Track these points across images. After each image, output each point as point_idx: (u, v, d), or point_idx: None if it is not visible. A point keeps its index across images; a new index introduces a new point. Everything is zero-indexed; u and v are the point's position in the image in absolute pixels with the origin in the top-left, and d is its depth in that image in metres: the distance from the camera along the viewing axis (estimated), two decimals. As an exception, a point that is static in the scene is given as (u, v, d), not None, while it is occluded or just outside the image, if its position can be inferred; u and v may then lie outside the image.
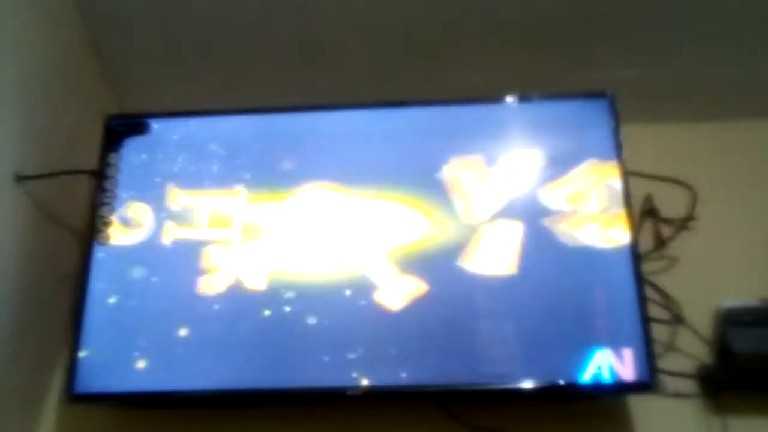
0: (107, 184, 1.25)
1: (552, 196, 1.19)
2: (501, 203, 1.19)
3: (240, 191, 1.24)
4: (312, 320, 1.14)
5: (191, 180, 1.25)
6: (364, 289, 1.15)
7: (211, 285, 1.18)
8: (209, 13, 1.33)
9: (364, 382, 1.09)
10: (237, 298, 1.17)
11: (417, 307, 1.14)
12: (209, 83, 1.44)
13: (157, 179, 1.26)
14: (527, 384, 1.08)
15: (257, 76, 1.43)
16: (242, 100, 1.35)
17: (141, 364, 1.13)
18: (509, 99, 1.26)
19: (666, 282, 1.22)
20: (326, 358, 1.11)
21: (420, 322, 1.13)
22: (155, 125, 1.29)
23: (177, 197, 1.24)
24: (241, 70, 1.42)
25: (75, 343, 1.14)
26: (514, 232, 1.17)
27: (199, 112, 1.31)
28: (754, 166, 1.35)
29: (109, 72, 1.42)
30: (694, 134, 1.38)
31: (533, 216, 1.17)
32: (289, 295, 1.16)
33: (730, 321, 1.12)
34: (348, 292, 1.15)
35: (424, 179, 1.22)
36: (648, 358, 1.08)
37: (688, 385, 1.16)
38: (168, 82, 1.44)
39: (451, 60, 1.37)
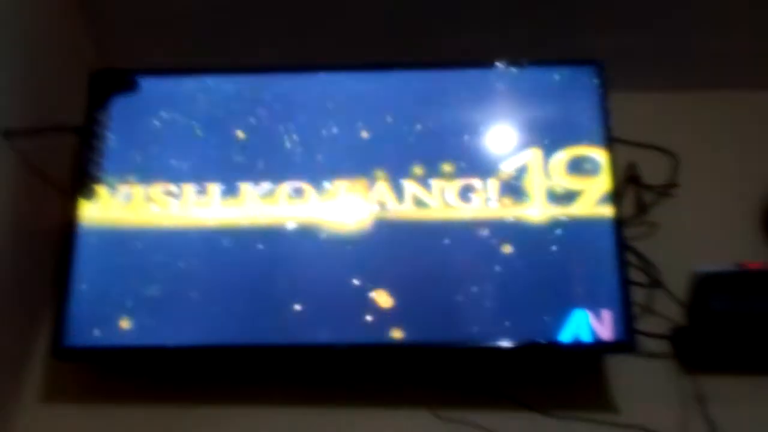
0: (93, 141, 1.24)
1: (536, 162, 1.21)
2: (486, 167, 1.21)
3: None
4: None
5: (177, 140, 1.25)
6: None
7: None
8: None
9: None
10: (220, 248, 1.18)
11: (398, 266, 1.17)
12: (196, 41, 1.42)
13: (143, 137, 1.25)
14: (507, 343, 1.11)
15: (245, 36, 1.41)
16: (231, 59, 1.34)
17: (128, 321, 1.14)
18: (499, 64, 1.27)
19: (646, 247, 1.24)
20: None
21: (402, 282, 1.16)
22: (142, 81, 1.28)
23: (162, 159, 1.24)
24: (229, 28, 1.41)
25: (63, 299, 1.14)
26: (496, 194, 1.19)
27: (187, 69, 1.30)
28: (734, 134, 1.37)
29: (94, 28, 1.40)
30: (677, 103, 1.39)
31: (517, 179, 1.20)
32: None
33: (706, 284, 1.15)
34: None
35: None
36: (626, 319, 1.11)
37: (664, 346, 1.20)
38: (154, 40, 1.42)
39: (439, 25, 1.37)
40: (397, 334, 1.12)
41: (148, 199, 1.21)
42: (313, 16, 1.38)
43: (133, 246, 1.19)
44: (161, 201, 1.21)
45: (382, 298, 1.14)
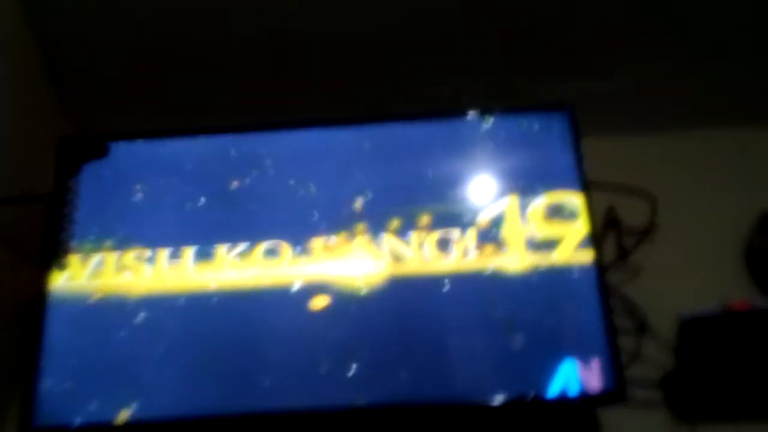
0: (64, 210, 1.22)
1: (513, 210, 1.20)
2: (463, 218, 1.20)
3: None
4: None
5: (149, 204, 1.23)
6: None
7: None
8: (168, 32, 1.31)
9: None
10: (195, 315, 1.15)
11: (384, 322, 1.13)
12: (169, 106, 1.42)
13: (115, 203, 1.23)
14: (495, 401, 1.07)
15: (221, 97, 1.41)
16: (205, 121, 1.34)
17: (99, 398, 1.10)
18: (471, 114, 1.27)
19: (630, 291, 1.23)
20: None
21: (385, 338, 1.12)
22: (112, 146, 1.26)
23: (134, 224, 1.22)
24: (204, 91, 1.41)
25: (31, 376, 1.10)
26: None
27: (159, 133, 1.28)
28: (711, 173, 1.37)
29: (64, 95, 1.40)
30: (652, 145, 1.39)
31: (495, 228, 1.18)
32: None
33: (692, 327, 1.13)
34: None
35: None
36: (615, 368, 1.08)
37: (656, 394, 1.17)
38: (126, 105, 1.42)
39: (411, 76, 1.37)
40: (375, 395, 1.08)
41: (121, 266, 1.18)
42: (285, 73, 1.38)
43: (104, 316, 1.15)
44: (134, 267, 1.18)
45: (359, 359, 1.10)
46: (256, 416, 1.11)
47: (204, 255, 1.18)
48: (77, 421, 1.09)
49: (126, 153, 1.27)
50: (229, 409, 1.10)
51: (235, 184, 1.23)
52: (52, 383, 1.10)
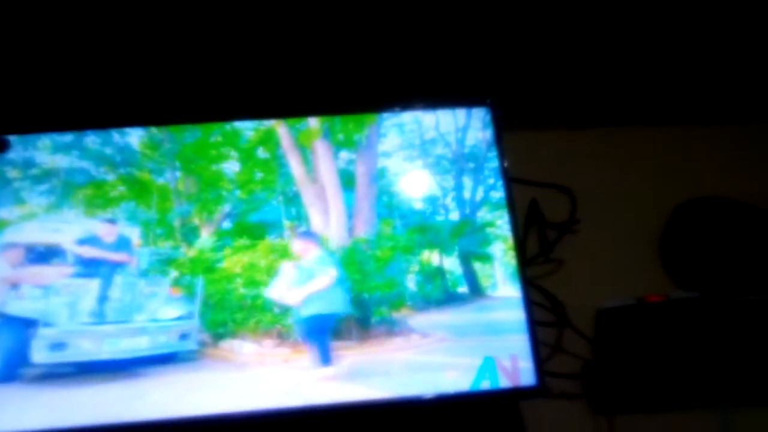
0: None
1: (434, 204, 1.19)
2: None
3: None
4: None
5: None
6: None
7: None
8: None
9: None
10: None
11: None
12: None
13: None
14: (422, 396, 1.06)
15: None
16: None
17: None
18: (394, 108, 1.25)
19: (551, 285, 1.24)
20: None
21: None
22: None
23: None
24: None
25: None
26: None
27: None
28: (626, 169, 1.40)
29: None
30: (572, 140, 1.41)
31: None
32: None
33: (609, 319, 1.15)
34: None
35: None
36: (535, 361, 1.09)
37: (575, 386, 1.18)
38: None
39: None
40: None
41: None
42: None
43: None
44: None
45: None
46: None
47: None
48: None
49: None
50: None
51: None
52: None
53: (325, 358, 1.09)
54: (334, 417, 1.07)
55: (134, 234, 1.17)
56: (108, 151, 1.21)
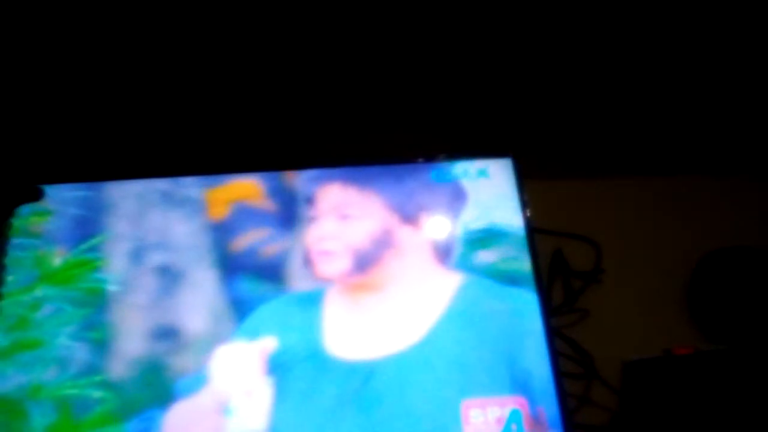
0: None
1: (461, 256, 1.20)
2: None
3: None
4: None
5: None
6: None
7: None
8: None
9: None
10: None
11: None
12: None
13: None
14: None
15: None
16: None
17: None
18: (418, 159, 1.28)
19: (576, 335, 1.24)
20: None
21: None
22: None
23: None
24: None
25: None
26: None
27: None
28: (652, 219, 1.40)
29: None
30: (595, 190, 1.42)
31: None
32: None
33: (635, 372, 1.14)
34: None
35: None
36: (563, 413, 1.08)
37: (604, 439, 1.17)
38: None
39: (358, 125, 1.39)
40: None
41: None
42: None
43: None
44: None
45: None
46: None
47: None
48: None
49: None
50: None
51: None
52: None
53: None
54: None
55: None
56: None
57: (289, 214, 1.23)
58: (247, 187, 1.26)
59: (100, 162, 1.35)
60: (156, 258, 1.21)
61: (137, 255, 1.21)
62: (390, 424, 1.08)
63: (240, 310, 1.17)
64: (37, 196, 1.22)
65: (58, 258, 1.21)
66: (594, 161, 1.43)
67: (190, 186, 1.25)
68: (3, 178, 1.24)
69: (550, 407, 1.08)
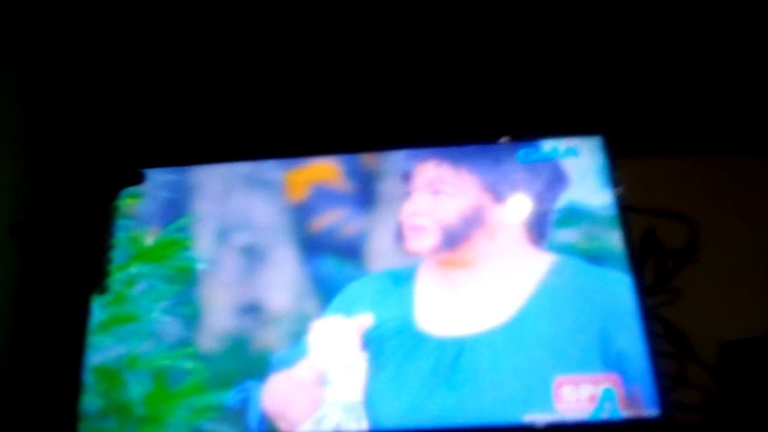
0: (104, 234, 1.24)
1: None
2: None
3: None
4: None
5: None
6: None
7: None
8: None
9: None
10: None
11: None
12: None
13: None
14: (539, 423, 1.05)
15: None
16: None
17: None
18: (503, 139, 1.28)
19: (671, 315, 1.21)
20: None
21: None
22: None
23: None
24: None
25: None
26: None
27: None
28: (749, 197, 1.36)
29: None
30: (690, 167, 1.38)
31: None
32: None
33: (734, 352, 1.11)
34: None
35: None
36: (658, 392, 1.06)
37: (698, 418, 1.14)
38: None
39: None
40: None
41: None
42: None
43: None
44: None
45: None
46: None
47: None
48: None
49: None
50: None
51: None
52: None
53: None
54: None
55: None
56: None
57: (367, 194, 1.25)
58: (325, 169, 1.28)
59: (188, 147, 1.39)
60: (240, 238, 1.25)
61: (223, 235, 1.25)
62: (480, 399, 1.08)
63: (321, 287, 1.19)
64: (138, 180, 1.27)
65: (150, 237, 1.25)
66: (689, 139, 1.39)
67: (270, 169, 1.28)
68: (108, 165, 1.31)
69: (644, 387, 1.07)
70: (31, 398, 1.19)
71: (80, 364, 1.14)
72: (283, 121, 1.43)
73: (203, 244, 1.24)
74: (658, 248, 1.27)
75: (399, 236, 1.19)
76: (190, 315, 1.19)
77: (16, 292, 1.22)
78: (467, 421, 1.07)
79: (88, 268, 1.21)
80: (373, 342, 1.13)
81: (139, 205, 1.28)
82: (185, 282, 1.22)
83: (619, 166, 1.20)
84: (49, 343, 1.22)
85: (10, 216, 1.21)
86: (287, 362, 1.14)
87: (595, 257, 1.15)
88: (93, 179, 1.30)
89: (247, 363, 1.15)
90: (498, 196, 1.19)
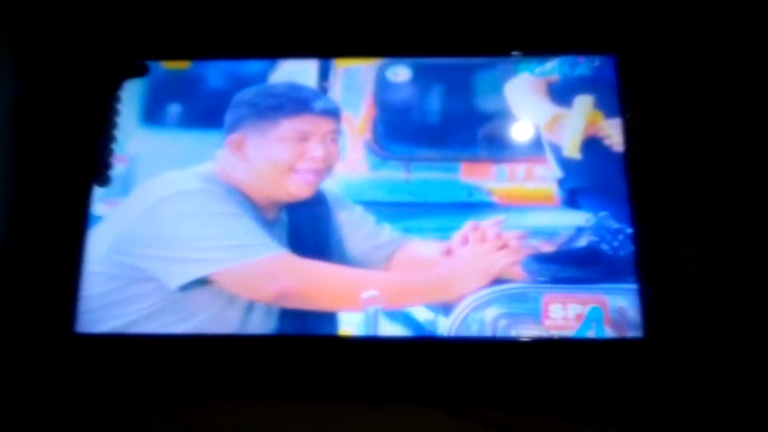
0: (108, 127, 1.23)
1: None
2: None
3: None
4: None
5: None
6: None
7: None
8: None
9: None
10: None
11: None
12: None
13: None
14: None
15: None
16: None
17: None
18: (515, 53, 1.25)
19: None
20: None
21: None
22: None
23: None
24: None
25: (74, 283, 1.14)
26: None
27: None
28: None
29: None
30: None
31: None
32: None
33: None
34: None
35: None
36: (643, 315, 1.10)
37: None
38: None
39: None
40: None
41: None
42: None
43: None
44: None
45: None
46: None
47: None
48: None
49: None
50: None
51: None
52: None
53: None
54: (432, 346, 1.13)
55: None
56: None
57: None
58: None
59: (191, 39, 1.35)
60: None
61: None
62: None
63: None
64: (142, 71, 1.25)
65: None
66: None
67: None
68: (111, 55, 1.28)
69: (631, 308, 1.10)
70: (31, 290, 1.22)
71: (80, 255, 1.15)
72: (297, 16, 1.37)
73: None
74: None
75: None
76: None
77: (17, 181, 1.23)
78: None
79: (89, 158, 1.21)
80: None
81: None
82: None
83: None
84: (50, 234, 1.24)
85: (10, 102, 1.20)
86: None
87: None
88: (96, 69, 1.28)
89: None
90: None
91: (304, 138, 1.14)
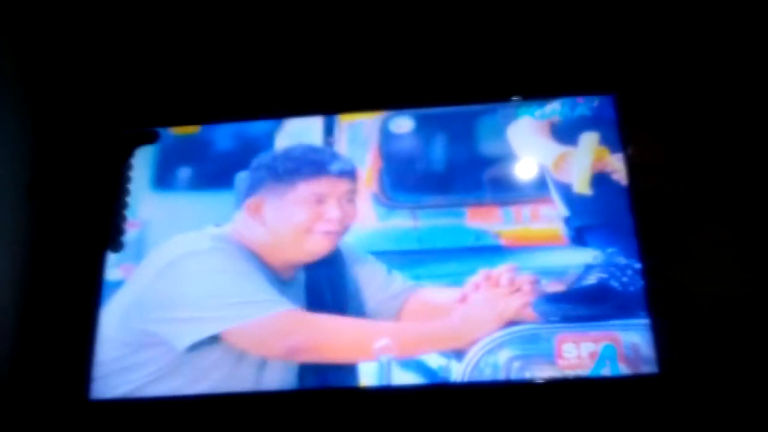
0: (120, 194, 1.27)
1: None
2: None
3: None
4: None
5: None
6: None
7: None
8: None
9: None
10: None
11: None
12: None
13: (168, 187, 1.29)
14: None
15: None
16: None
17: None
18: (515, 98, 1.28)
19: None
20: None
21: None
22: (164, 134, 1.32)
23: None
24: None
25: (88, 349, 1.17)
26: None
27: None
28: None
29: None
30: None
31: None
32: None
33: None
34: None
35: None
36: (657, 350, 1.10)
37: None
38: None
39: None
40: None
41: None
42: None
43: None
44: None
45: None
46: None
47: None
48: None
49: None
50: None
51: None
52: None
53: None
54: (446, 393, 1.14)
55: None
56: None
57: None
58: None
59: (200, 106, 1.40)
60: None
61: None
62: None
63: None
64: (153, 138, 1.30)
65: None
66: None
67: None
68: (123, 124, 1.34)
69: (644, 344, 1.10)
70: (46, 357, 1.24)
71: (95, 321, 1.18)
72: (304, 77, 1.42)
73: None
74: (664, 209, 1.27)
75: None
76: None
77: (32, 248, 1.27)
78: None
79: (102, 225, 1.25)
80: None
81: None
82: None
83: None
84: (64, 301, 1.27)
85: (23, 175, 1.26)
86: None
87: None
88: (108, 138, 1.33)
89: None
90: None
91: (321, 200, 1.17)
